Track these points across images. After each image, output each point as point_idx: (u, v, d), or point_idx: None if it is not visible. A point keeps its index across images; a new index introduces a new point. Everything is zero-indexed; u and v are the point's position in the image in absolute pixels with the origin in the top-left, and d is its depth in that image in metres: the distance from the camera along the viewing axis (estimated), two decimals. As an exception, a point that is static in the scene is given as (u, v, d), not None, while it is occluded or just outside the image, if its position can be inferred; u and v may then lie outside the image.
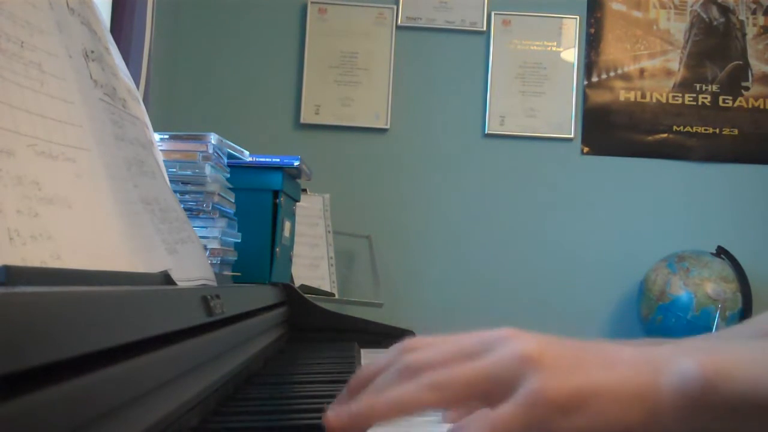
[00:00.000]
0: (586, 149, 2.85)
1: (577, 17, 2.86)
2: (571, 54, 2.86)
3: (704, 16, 2.89)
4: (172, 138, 1.02)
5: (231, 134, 1.23)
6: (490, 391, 0.41)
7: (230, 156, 1.13)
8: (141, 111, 0.85)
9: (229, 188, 1.10)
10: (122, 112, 0.73)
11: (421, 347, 0.45)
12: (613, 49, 2.87)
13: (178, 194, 0.97)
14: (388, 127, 2.79)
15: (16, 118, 0.49)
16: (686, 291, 2.49)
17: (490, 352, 0.42)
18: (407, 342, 0.46)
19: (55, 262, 0.48)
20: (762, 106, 2.88)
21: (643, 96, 2.87)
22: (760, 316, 0.87)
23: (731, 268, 2.54)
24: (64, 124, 0.55)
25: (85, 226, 0.54)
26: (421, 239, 2.77)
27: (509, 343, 0.42)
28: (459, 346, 0.44)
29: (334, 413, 0.42)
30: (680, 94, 2.88)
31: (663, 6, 2.89)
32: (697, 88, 2.88)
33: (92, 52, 0.67)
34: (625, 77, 2.87)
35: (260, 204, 1.21)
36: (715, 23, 2.89)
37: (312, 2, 2.79)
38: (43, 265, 0.46)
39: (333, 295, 2.21)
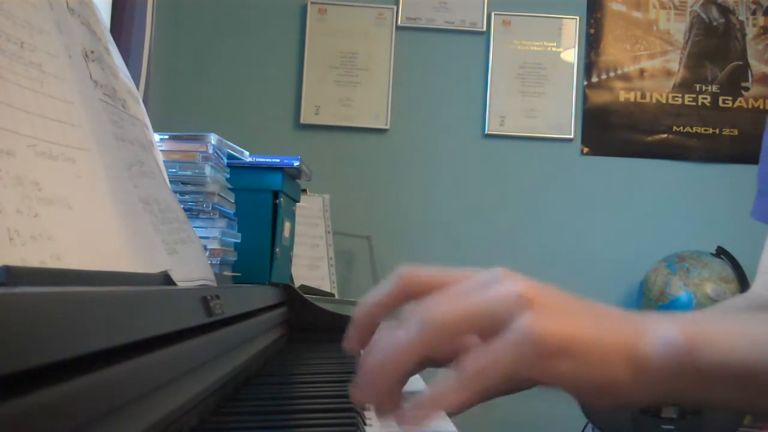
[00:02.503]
0: (586, 149, 2.85)
1: (577, 17, 2.86)
2: (571, 54, 2.86)
3: (704, 16, 2.89)
4: (172, 138, 1.02)
5: (231, 134, 1.23)
6: (483, 328, 0.42)
7: (230, 156, 1.13)
8: (141, 111, 0.85)
9: (229, 188, 1.10)
10: (122, 112, 0.73)
11: (418, 281, 0.46)
12: (613, 50, 2.87)
13: (178, 194, 0.97)
14: (388, 127, 2.79)
15: (16, 118, 0.49)
16: (686, 291, 2.49)
17: (484, 291, 0.43)
18: (404, 272, 0.47)
19: (55, 262, 0.48)
20: (762, 107, 2.88)
21: (643, 96, 2.87)
22: (732, 299, 0.89)
23: (731, 269, 2.55)
24: (64, 125, 0.55)
25: (85, 227, 0.54)
26: (421, 239, 2.77)
27: (504, 282, 0.43)
28: (454, 288, 0.44)
29: (354, 388, 0.44)
30: (680, 95, 2.88)
31: (663, 6, 2.89)
32: (697, 89, 2.88)
33: (92, 52, 0.67)
34: (625, 77, 2.87)
35: (260, 204, 1.21)
36: (714, 24, 2.89)
37: (312, 2, 2.79)
38: (43, 266, 0.46)
39: (333, 295, 2.21)
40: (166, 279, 0.65)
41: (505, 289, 0.42)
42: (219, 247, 1.01)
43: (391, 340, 0.42)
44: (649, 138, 2.87)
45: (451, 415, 0.52)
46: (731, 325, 0.44)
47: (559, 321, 0.41)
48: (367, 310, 0.48)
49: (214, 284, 0.87)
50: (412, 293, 0.46)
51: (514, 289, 0.42)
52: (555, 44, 2.86)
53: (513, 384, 0.47)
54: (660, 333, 0.42)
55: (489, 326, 0.41)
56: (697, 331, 0.42)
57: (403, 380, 0.46)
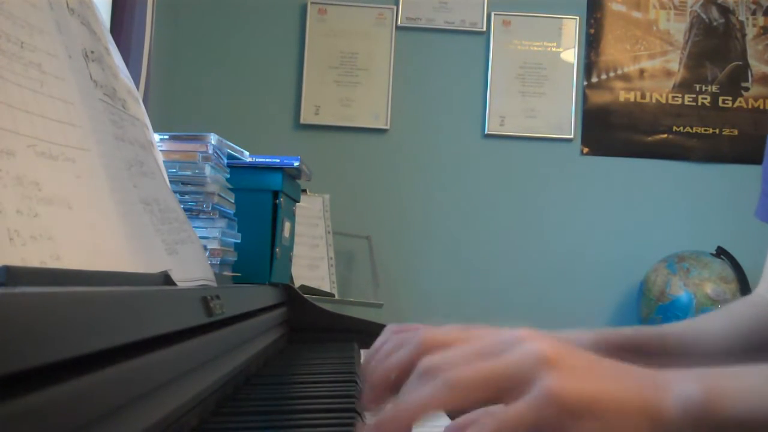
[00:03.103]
0: (585, 150, 2.85)
1: (577, 18, 2.86)
2: (571, 54, 2.86)
3: (704, 16, 2.89)
4: (172, 138, 1.02)
5: (231, 134, 1.23)
6: (505, 390, 0.42)
7: (230, 156, 1.13)
8: (141, 111, 0.85)
9: (229, 188, 1.10)
10: (122, 112, 0.73)
11: (438, 346, 0.46)
12: (612, 50, 2.87)
13: (177, 195, 0.97)
14: (387, 127, 2.79)
15: (16, 118, 0.49)
16: (686, 291, 2.49)
17: (506, 352, 0.43)
18: (424, 338, 0.47)
19: (55, 262, 0.48)
20: (762, 107, 2.88)
21: (643, 96, 2.87)
22: (736, 303, 0.88)
23: (731, 269, 2.55)
24: (64, 125, 0.55)
25: (85, 227, 0.54)
26: (421, 239, 2.77)
27: (526, 344, 0.43)
28: (476, 345, 0.45)
29: (364, 428, 0.44)
30: (680, 95, 2.88)
31: (663, 6, 2.89)
32: (697, 89, 2.88)
33: (92, 52, 0.67)
34: (625, 78, 2.87)
35: (260, 204, 1.21)
36: (714, 24, 2.89)
37: (312, 2, 2.79)
38: (43, 266, 0.46)
39: (333, 295, 2.21)
40: (166, 279, 0.65)
41: (527, 351, 0.42)
42: (219, 247, 1.01)
43: (413, 395, 0.42)
44: (649, 138, 2.87)
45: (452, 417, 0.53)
46: (749, 378, 0.44)
47: (581, 382, 0.41)
48: (384, 375, 0.48)
49: (214, 284, 0.87)
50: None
51: (536, 349, 0.42)
52: (555, 44, 2.86)
53: None
54: (681, 389, 0.42)
55: (511, 388, 0.41)
56: (715, 386, 0.42)
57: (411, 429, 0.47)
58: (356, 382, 0.78)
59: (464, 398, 0.42)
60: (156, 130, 0.95)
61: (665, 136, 2.87)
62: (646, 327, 0.80)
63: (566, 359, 0.42)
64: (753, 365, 0.46)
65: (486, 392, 0.42)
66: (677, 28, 2.89)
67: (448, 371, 0.42)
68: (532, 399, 0.40)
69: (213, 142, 1.02)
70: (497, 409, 0.41)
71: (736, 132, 2.87)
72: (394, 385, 0.48)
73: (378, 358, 0.50)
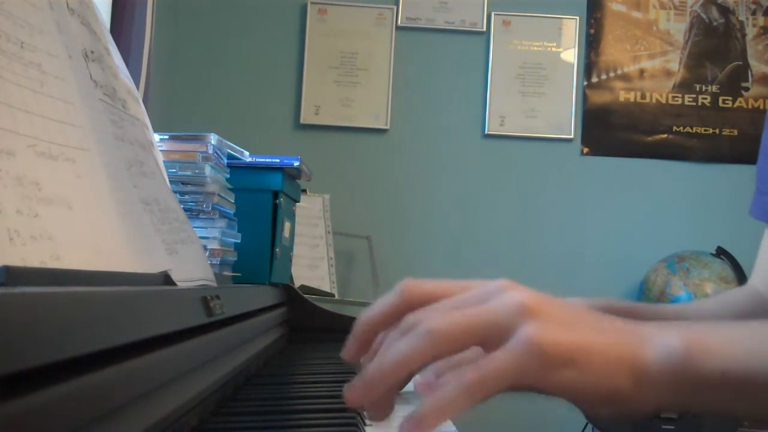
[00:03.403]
0: (585, 150, 2.85)
1: (577, 18, 2.86)
2: (571, 54, 2.86)
3: (704, 16, 2.89)
4: (172, 138, 1.02)
5: (231, 134, 1.23)
6: (486, 338, 0.42)
7: (230, 156, 1.13)
8: (141, 111, 0.85)
9: (229, 189, 1.10)
10: (122, 112, 0.73)
11: (420, 294, 0.46)
12: (612, 50, 2.87)
13: (178, 195, 0.97)
14: (387, 127, 2.79)
15: (16, 118, 0.49)
16: (686, 291, 2.49)
17: (487, 302, 0.43)
18: (407, 286, 0.47)
19: (55, 262, 0.48)
20: (762, 107, 2.88)
21: (643, 96, 2.87)
22: (730, 292, 0.90)
23: (731, 269, 2.55)
24: (64, 125, 0.55)
25: (85, 227, 0.54)
26: (421, 239, 2.77)
27: (507, 293, 0.43)
28: (457, 297, 0.45)
29: (349, 390, 0.43)
30: (680, 95, 2.88)
31: (663, 6, 2.89)
32: (697, 89, 2.88)
33: (92, 52, 0.67)
34: (625, 78, 2.87)
35: (260, 204, 1.21)
36: (714, 24, 2.89)
37: (312, 2, 2.79)
38: (43, 266, 0.46)
39: (333, 295, 2.21)
40: (166, 279, 0.65)
41: (508, 299, 0.42)
42: (219, 247, 1.01)
43: (394, 348, 0.42)
44: (649, 138, 2.87)
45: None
46: (731, 332, 0.44)
47: (561, 331, 0.41)
48: (368, 321, 0.47)
49: (214, 284, 0.87)
50: (415, 305, 0.46)
51: (517, 299, 0.42)
52: (555, 44, 2.86)
53: (513, 390, 0.47)
54: (660, 342, 0.42)
55: (492, 336, 0.41)
56: (697, 339, 0.42)
57: (400, 386, 0.46)
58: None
59: (445, 348, 0.42)
60: (156, 130, 0.96)
61: (665, 136, 2.87)
62: (643, 303, 0.81)
63: (546, 308, 0.42)
64: (735, 322, 0.46)
65: (466, 341, 0.42)
66: (677, 28, 2.89)
67: (426, 321, 0.42)
68: (512, 348, 0.40)
69: (213, 142, 1.02)
70: (477, 358, 0.41)
71: (736, 132, 2.87)
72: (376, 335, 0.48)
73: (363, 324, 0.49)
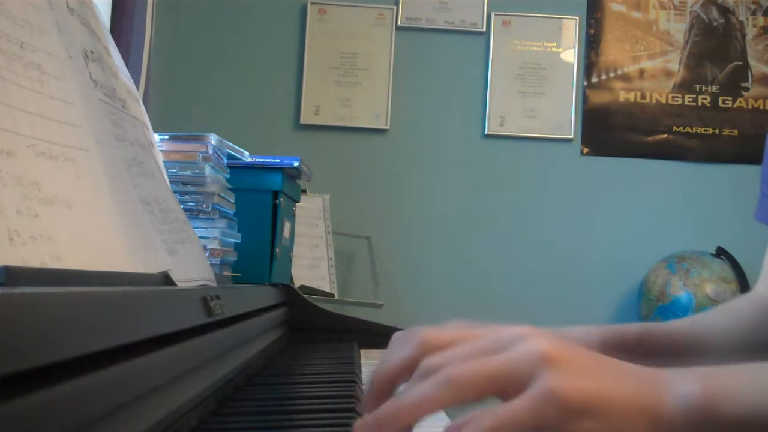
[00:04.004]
0: (585, 150, 2.85)
1: (577, 18, 2.86)
2: (570, 55, 2.86)
3: (704, 16, 2.89)
4: (172, 138, 1.02)
5: (231, 134, 1.23)
6: (506, 387, 0.41)
7: (230, 156, 1.13)
8: (141, 111, 0.85)
9: (229, 189, 1.10)
10: (122, 112, 0.73)
11: (438, 344, 0.46)
12: (612, 50, 2.87)
13: (177, 195, 0.97)
14: (388, 127, 2.79)
15: (16, 118, 0.49)
16: (686, 292, 2.49)
17: (507, 350, 0.43)
18: (424, 337, 0.47)
19: (55, 262, 0.48)
20: (762, 107, 2.88)
21: (643, 97, 2.87)
22: (735, 301, 0.89)
23: (731, 269, 2.54)
24: (64, 125, 0.55)
25: (85, 227, 0.54)
26: (421, 240, 2.77)
27: (527, 341, 0.43)
28: (477, 344, 0.44)
29: (360, 425, 0.43)
30: (680, 95, 2.88)
31: (663, 7, 2.89)
32: (697, 89, 2.88)
33: (92, 52, 0.67)
34: (625, 78, 2.87)
35: (260, 204, 1.21)
36: (714, 24, 2.89)
37: (312, 3, 2.79)
38: (43, 266, 0.46)
39: (333, 295, 2.21)
40: (166, 279, 0.65)
41: (527, 348, 0.42)
42: (219, 248, 1.01)
43: (412, 391, 0.42)
44: (649, 138, 2.87)
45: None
46: (749, 375, 0.44)
47: (581, 380, 0.41)
48: (385, 375, 0.47)
49: (214, 284, 0.87)
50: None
51: (536, 347, 0.42)
52: (555, 44, 2.86)
53: None
54: (680, 389, 0.42)
55: (511, 385, 0.41)
56: (716, 384, 0.42)
57: (411, 428, 0.46)
58: (356, 383, 0.78)
59: (464, 395, 0.41)
60: (156, 130, 0.96)
61: (665, 136, 2.87)
62: (652, 324, 0.80)
63: (567, 357, 0.42)
64: (751, 363, 0.46)
65: (486, 389, 0.42)
66: (677, 28, 2.89)
67: (448, 368, 0.42)
68: (532, 396, 0.40)
69: (213, 142, 1.02)
70: (496, 406, 0.41)
71: (736, 132, 2.87)
72: (396, 387, 0.47)
73: (381, 362, 0.49)
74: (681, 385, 0.42)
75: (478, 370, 0.42)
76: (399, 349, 0.48)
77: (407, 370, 0.46)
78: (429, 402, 0.41)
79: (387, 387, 0.47)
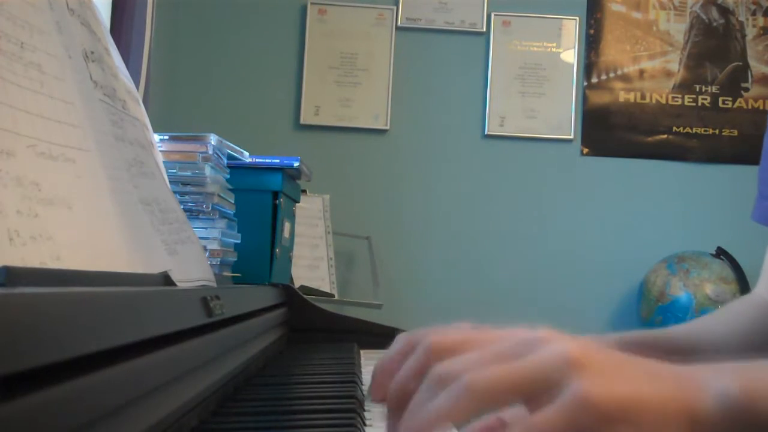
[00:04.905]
0: (585, 150, 2.85)
1: (577, 18, 2.86)
2: (570, 55, 2.86)
3: (704, 17, 2.89)
4: (172, 139, 1.02)
5: (231, 135, 1.23)
6: (532, 394, 0.39)
7: (230, 157, 1.13)
8: (141, 112, 0.85)
9: (229, 189, 1.10)
10: (122, 112, 0.73)
11: (449, 348, 0.43)
12: (612, 50, 2.87)
13: (177, 195, 0.97)
14: (387, 127, 2.79)
15: (16, 118, 0.49)
16: (686, 292, 2.49)
17: (530, 354, 0.40)
18: (433, 340, 0.43)
19: (55, 262, 0.48)
20: (761, 107, 2.88)
21: (643, 97, 2.87)
22: (735, 303, 0.88)
23: (731, 269, 2.54)
24: (64, 125, 0.55)
25: (85, 227, 0.54)
26: (421, 240, 2.77)
27: (551, 344, 0.40)
28: (494, 348, 0.41)
29: None
30: (680, 95, 2.88)
31: (663, 7, 2.89)
32: (697, 89, 2.88)
33: (92, 53, 0.67)
34: (625, 78, 2.87)
35: (260, 205, 1.21)
36: (714, 24, 2.89)
37: (312, 3, 2.79)
38: (43, 266, 0.46)
39: (333, 296, 2.21)
40: (165, 279, 0.65)
41: (553, 352, 0.39)
42: (219, 248, 1.01)
43: (430, 405, 0.39)
44: (649, 139, 2.87)
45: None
46: None
47: (614, 384, 0.38)
48: (399, 386, 0.43)
49: (214, 285, 0.87)
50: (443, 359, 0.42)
51: (563, 351, 0.39)
52: (555, 45, 2.86)
53: None
54: (717, 388, 0.40)
55: (539, 392, 0.38)
56: (755, 384, 0.40)
57: None
58: (356, 383, 0.78)
59: (487, 405, 0.38)
60: (156, 130, 0.96)
61: (665, 136, 2.87)
62: (651, 330, 0.80)
63: (596, 360, 0.39)
64: None
65: (510, 398, 0.39)
66: (677, 28, 2.89)
67: (466, 375, 0.39)
68: (563, 405, 0.37)
69: (213, 142, 1.02)
70: (520, 417, 0.39)
71: (736, 132, 2.87)
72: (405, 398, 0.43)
73: (383, 362, 0.46)
74: (719, 384, 0.40)
75: (500, 376, 0.39)
76: (405, 348, 0.45)
77: (415, 378, 0.42)
78: (448, 414, 0.38)
79: (403, 401, 0.43)
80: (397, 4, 2.80)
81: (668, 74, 2.88)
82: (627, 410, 0.38)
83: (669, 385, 0.40)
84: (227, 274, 1.07)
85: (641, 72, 2.87)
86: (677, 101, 2.88)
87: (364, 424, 0.61)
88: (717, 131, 2.88)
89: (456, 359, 0.41)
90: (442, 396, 0.39)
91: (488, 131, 2.81)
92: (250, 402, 0.70)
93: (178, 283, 0.67)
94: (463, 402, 0.38)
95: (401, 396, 0.43)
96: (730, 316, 0.84)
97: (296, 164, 1.23)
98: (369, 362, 1.04)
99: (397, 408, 0.43)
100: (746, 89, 2.89)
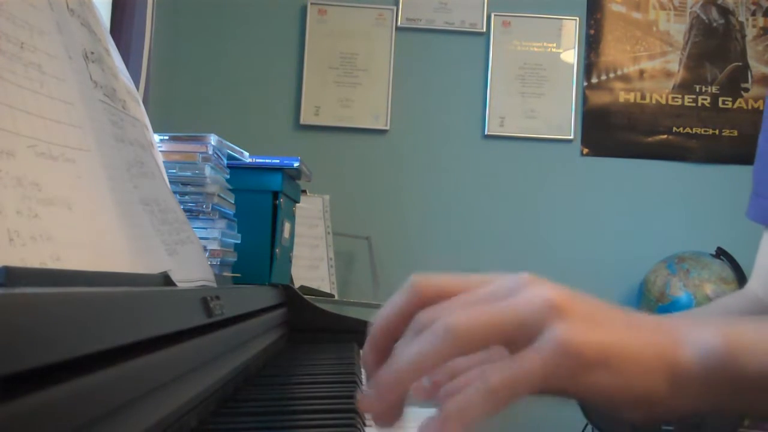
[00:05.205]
0: (585, 150, 2.85)
1: (577, 18, 2.86)
2: (570, 55, 2.86)
3: (704, 17, 2.89)
4: (172, 139, 1.02)
5: (231, 135, 1.23)
6: (512, 337, 0.38)
7: (230, 157, 1.13)
8: (141, 112, 0.85)
9: (229, 189, 1.10)
10: (122, 113, 0.73)
11: (435, 293, 0.42)
12: (612, 51, 2.87)
13: (177, 195, 0.97)
14: (387, 128, 2.79)
15: (16, 119, 0.49)
16: (686, 292, 2.49)
17: (511, 297, 0.40)
18: (417, 283, 0.43)
19: (55, 263, 0.48)
20: (761, 108, 2.88)
21: (643, 97, 2.87)
22: (727, 297, 0.89)
23: (731, 270, 2.55)
24: (64, 125, 0.55)
25: (85, 227, 0.54)
26: (421, 240, 2.77)
27: (532, 288, 0.40)
28: (476, 292, 0.41)
29: (363, 397, 0.40)
30: (680, 96, 2.88)
31: (663, 7, 2.89)
32: (697, 90, 2.88)
33: (92, 53, 0.67)
34: (625, 78, 2.87)
35: (260, 205, 1.21)
36: (714, 24, 2.89)
37: (312, 3, 2.79)
38: (43, 266, 0.46)
39: (332, 296, 2.21)
40: (165, 280, 0.65)
41: (533, 296, 0.39)
42: (219, 248, 1.01)
43: (409, 349, 0.39)
44: (649, 139, 2.87)
45: None
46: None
47: (594, 331, 0.38)
48: (382, 325, 0.43)
49: (214, 285, 0.87)
50: (428, 303, 0.42)
51: (544, 295, 0.39)
52: (555, 45, 2.86)
53: (540, 393, 0.43)
54: (698, 340, 0.39)
55: (518, 335, 0.38)
56: (737, 339, 0.40)
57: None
58: (356, 383, 0.78)
59: (465, 347, 0.38)
60: (156, 130, 0.96)
61: (665, 136, 2.87)
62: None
63: (576, 306, 0.39)
64: None
65: (489, 340, 0.38)
66: (677, 28, 2.89)
67: (446, 318, 0.39)
68: (542, 348, 0.37)
69: (213, 142, 1.02)
70: (499, 359, 0.38)
71: (735, 133, 2.88)
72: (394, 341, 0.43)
73: (377, 317, 0.45)
74: (700, 336, 0.40)
75: (480, 318, 0.38)
76: (394, 300, 0.44)
77: (403, 318, 0.42)
78: (427, 357, 0.38)
79: (385, 339, 0.43)
80: (397, 4, 2.80)
81: (668, 74, 2.88)
82: (606, 356, 0.38)
83: (650, 334, 0.40)
84: (227, 274, 1.07)
85: (641, 72, 2.87)
86: (677, 101, 2.88)
87: (364, 425, 0.61)
88: (717, 131, 2.88)
89: (439, 306, 0.41)
90: (422, 338, 0.38)
91: (488, 131, 2.81)
92: (249, 402, 0.70)
93: (178, 284, 0.67)
94: (442, 344, 0.38)
95: (384, 336, 0.43)
96: (721, 310, 0.84)
97: (296, 164, 1.23)
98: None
99: (380, 347, 0.43)
100: (746, 89, 2.89)
